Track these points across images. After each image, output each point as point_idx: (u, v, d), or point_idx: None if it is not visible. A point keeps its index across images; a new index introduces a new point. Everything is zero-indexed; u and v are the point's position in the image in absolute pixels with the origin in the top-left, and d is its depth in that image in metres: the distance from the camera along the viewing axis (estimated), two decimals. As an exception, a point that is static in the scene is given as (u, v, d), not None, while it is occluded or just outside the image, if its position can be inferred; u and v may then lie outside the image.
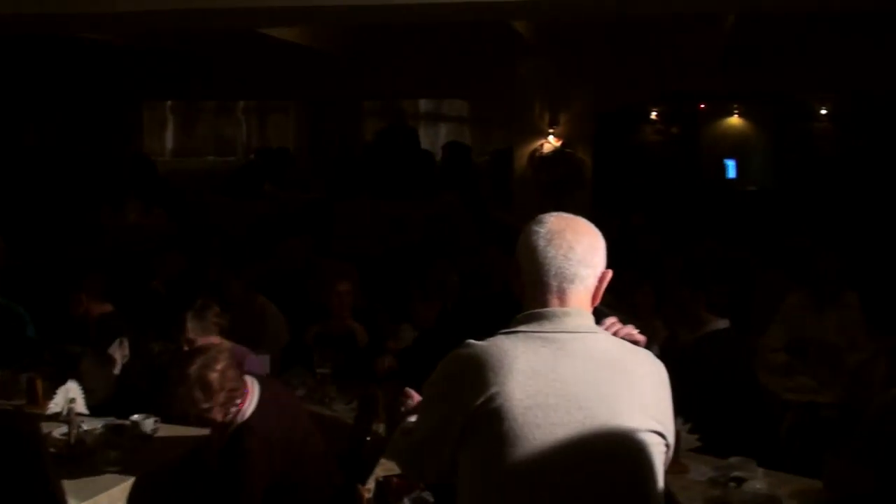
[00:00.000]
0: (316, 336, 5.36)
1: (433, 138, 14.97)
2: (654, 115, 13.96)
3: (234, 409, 3.68)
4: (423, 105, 15.32)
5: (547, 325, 2.04)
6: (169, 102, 14.21)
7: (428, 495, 3.47)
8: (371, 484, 3.72)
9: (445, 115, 15.48)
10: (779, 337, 5.61)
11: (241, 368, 3.84)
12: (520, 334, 2.04)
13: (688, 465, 3.64)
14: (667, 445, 2.07)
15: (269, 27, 7.84)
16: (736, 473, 3.50)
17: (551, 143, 9.40)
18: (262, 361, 4.91)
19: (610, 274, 2.12)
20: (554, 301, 2.06)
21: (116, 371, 4.94)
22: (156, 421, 4.29)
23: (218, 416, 3.64)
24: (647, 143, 14.20)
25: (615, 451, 1.97)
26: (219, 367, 3.65)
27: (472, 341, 2.06)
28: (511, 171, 9.65)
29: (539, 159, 9.41)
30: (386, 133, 11.99)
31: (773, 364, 5.43)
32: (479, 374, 1.99)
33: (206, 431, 3.96)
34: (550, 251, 2.06)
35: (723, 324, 4.39)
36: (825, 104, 13.29)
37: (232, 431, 3.69)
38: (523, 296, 2.11)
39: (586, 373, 1.99)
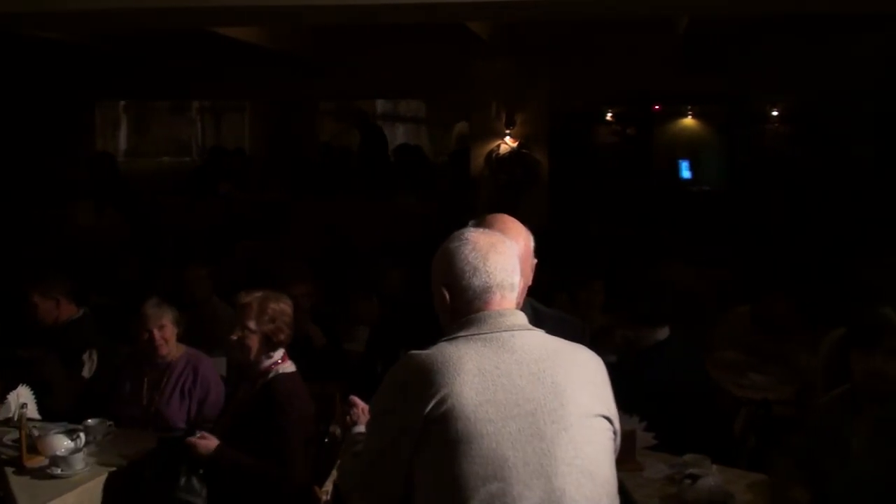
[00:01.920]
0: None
1: (390, 139, 14.94)
2: (609, 116, 14.07)
3: (271, 355, 3.85)
4: (380, 106, 15.30)
5: (484, 327, 2.10)
6: (122, 102, 14.04)
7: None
8: (329, 486, 3.71)
9: (402, 115, 15.48)
10: (727, 338, 5.71)
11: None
12: (460, 339, 2.09)
13: (643, 464, 3.68)
14: (614, 431, 2.15)
15: (223, 27, 7.78)
16: (691, 471, 3.54)
17: (508, 143, 9.44)
18: (218, 364, 4.87)
19: (531, 278, 2.27)
20: (486, 306, 2.13)
21: (84, 374, 4.89)
22: (110, 426, 4.23)
23: (254, 345, 3.82)
24: (603, 143, 14.31)
25: (567, 436, 2.03)
26: (278, 305, 3.92)
27: (414, 351, 2.09)
28: (468, 171, 9.68)
29: (496, 160, 9.44)
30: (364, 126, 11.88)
31: (726, 362, 5.50)
32: (426, 381, 2.02)
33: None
34: (475, 262, 2.14)
35: (662, 333, 4.40)
36: (777, 106, 13.49)
37: (268, 380, 3.83)
38: (452, 309, 2.15)
39: (528, 365, 2.06)
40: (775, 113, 13.53)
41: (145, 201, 10.19)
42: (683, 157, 13.45)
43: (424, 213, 9.09)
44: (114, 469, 3.82)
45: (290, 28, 9.02)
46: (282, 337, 3.91)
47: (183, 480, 3.77)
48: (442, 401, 1.99)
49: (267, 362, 3.88)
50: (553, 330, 2.58)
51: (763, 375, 5.23)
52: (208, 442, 3.75)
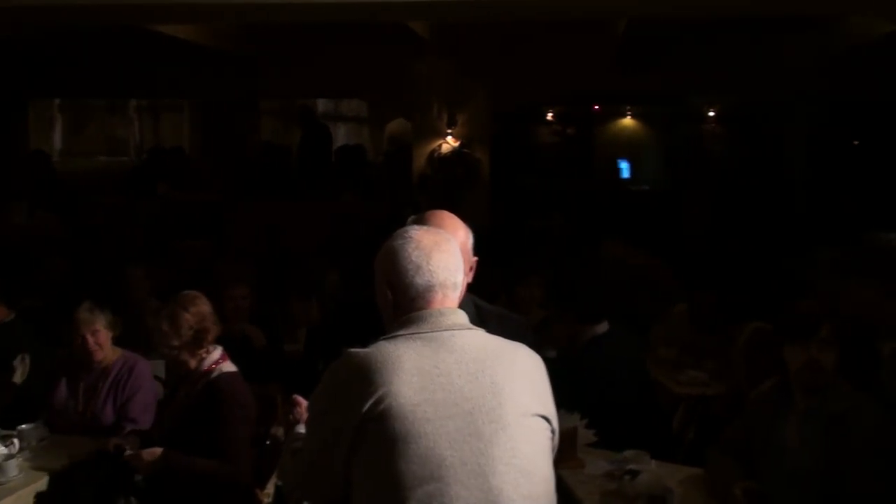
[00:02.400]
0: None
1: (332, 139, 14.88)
2: (550, 115, 14.19)
3: (207, 358, 3.81)
4: (322, 105, 15.22)
5: (425, 326, 2.10)
6: (57, 101, 13.76)
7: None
8: (270, 488, 3.69)
9: (344, 115, 15.42)
10: (664, 336, 5.81)
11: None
12: (400, 338, 2.09)
13: (584, 460, 3.71)
14: (552, 430, 2.16)
15: (161, 24, 7.67)
16: (631, 466, 3.58)
17: (450, 143, 9.46)
18: (157, 366, 4.79)
19: (470, 276, 2.25)
20: (428, 304, 2.13)
21: (16, 380, 4.78)
22: (44, 431, 4.14)
23: (186, 357, 3.79)
24: (544, 143, 14.43)
25: (505, 435, 2.03)
26: (192, 310, 3.84)
27: (352, 350, 2.08)
28: (410, 170, 9.68)
29: (438, 159, 9.45)
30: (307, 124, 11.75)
31: (665, 359, 5.59)
32: (364, 379, 2.01)
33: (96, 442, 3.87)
34: (417, 260, 2.14)
35: (601, 328, 4.45)
36: (713, 106, 13.74)
37: (210, 380, 3.78)
38: (395, 307, 2.15)
39: (468, 365, 2.06)
40: (712, 114, 13.79)
41: (81, 201, 10.00)
42: (623, 157, 13.63)
43: (365, 212, 9.06)
44: (48, 475, 3.75)
45: (230, 26, 8.93)
46: (209, 336, 3.87)
47: (122, 497, 3.70)
48: (380, 399, 1.98)
49: (207, 363, 3.84)
50: (496, 327, 2.59)
51: (700, 372, 5.32)
52: (152, 450, 3.69)
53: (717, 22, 7.77)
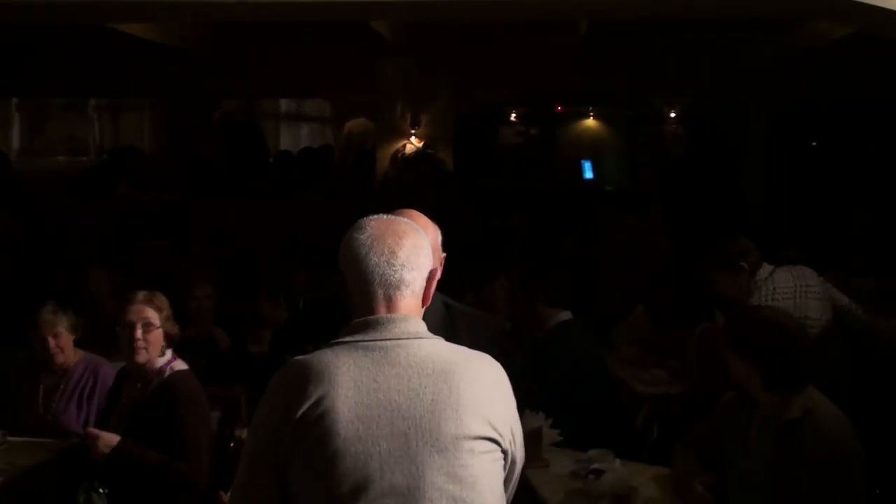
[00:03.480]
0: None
1: (295, 138, 14.83)
2: (513, 116, 14.25)
3: (165, 354, 3.78)
4: (285, 105, 15.15)
5: (371, 334, 1.96)
6: (15, 99, 13.55)
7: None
8: (234, 490, 3.66)
9: (307, 115, 15.35)
10: (627, 336, 5.86)
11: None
12: (343, 345, 1.96)
13: (549, 460, 3.73)
14: (503, 451, 1.99)
15: (120, 23, 7.59)
16: (595, 465, 3.61)
17: (413, 143, 9.46)
18: (119, 369, 4.74)
19: (439, 272, 2.10)
20: (381, 308, 1.99)
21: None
22: (4, 434, 4.09)
23: (158, 343, 3.76)
24: (507, 143, 14.48)
25: (441, 459, 1.89)
26: (165, 302, 3.85)
27: (295, 357, 1.99)
28: (374, 171, 9.66)
29: (401, 160, 9.45)
30: (228, 130, 11.61)
31: (628, 359, 5.64)
32: (301, 386, 1.91)
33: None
34: (373, 258, 1.98)
35: (565, 315, 4.52)
36: (675, 107, 13.87)
37: (165, 379, 3.75)
38: (351, 303, 2.03)
39: (410, 380, 1.92)
40: (673, 115, 13.92)
41: (39, 201, 9.86)
42: (586, 158, 13.71)
43: (325, 212, 9.01)
44: (8, 478, 3.69)
45: (190, 25, 8.86)
46: (176, 333, 3.88)
47: (82, 498, 3.65)
48: (315, 404, 1.88)
49: (162, 361, 3.81)
50: (467, 327, 2.59)
51: (663, 371, 5.37)
52: (110, 436, 3.65)
53: (678, 23, 7.84)
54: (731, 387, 3.38)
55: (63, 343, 4.39)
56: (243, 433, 4.32)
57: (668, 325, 5.74)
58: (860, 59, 8.35)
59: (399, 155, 9.47)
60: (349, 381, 1.90)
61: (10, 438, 4.11)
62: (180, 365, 3.85)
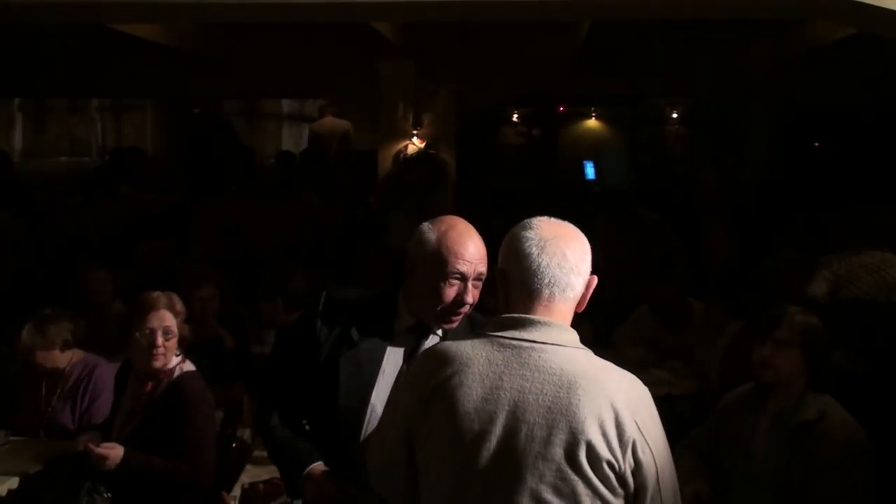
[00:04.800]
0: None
1: (297, 139, 14.82)
2: (515, 116, 14.25)
3: (176, 356, 3.78)
4: (287, 105, 15.15)
5: (513, 332, 1.98)
6: (17, 100, 13.56)
7: (296, 501, 3.43)
8: (237, 491, 3.67)
9: (309, 115, 15.33)
10: (629, 336, 5.85)
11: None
12: (485, 338, 2.01)
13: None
14: (618, 475, 1.91)
15: (122, 23, 7.59)
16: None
17: (415, 144, 9.45)
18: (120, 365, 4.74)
19: (595, 280, 2.08)
20: (538, 308, 2.00)
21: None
22: (5, 434, 4.09)
23: (173, 348, 3.75)
24: (509, 144, 14.49)
25: (545, 469, 1.89)
26: (182, 306, 3.88)
27: (442, 342, 2.10)
28: (375, 172, 9.66)
29: (403, 160, 9.44)
30: (199, 127, 11.51)
31: (629, 359, 5.62)
32: (434, 367, 2.01)
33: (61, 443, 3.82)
34: (544, 259, 1.99)
35: None
36: (675, 108, 13.87)
37: (173, 380, 3.75)
38: (508, 301, 2.04)
39: (533, 384, 1.92)
40: (675, 115, 13.92)
41: (41, 202, 9.87)
42: (587, 158, 13.70)
43: (325, 214, 9.01)
44: (10, 479, 3.70)
45: (193, 26, 8.86)
46: (188, 335, 3.88)
47: (85, 500, 3.65)
48: (441, 387, 1.97)
49: (174, 362, 3.81)
50: None
51: (665, 371, 5.36)
52: (115, 451, 3.64)
53: (679, 24, 7.84)
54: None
55: (52, 357, 4.35)
56: (245, 433, 4.33)
57: (674, 320, 5.72)
58: (861, 60, 8.35)
59: (401, 155, 9.47)
60: (476, 373, 1.95)
61: (11, 438, 4.12)
62: (189, 366, 3.85)
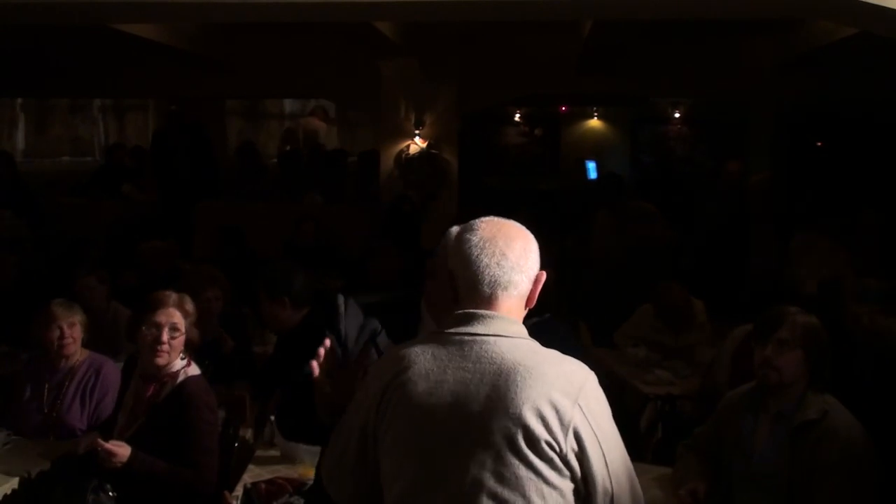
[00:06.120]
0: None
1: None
2: (517, 116, 14.25)
3: (179, 360, 3.77)
4: (289, 105, 15.15)
5: (457, 328, 2.04)
6: (19, 100, 13.57)
7: (297, 500, 3.44)
8: (239, 491, 3.67)
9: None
10: (631, 336, 5.85)
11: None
12: (434, 335, 2.08)
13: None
14: (562, 457, 1.92)
15: (124, 23, 7.59)
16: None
17: (417, 143, 9.46)
18: (124, 362, 4.75)
19: (545, 275, 2.12)
20: (483, 306, 2.04)
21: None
22: (9, 435, 4.10)
23: (179, 348, 3.75)
24: (511, 143, 14.49)
25: (486, 457, 1.92)
26: (193, 306, 3.86)
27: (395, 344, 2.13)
28: (377, 171, 9.67)
29: (406, 160, 9.45)
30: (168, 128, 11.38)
31: (632, 359, 5.63)
32: (386, 367, 2.08)
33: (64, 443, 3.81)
34: (483, 259, 2.04)
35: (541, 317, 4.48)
36: (678, 108, 13.87)
37: (178, 384, 3.73)
38: (457, 300, 2.08)
39: (473, 375, 1.97)
40: (677, 115, 13.92)
41: (44, 202, 9.88)
42: (589, 158, 13.70)
43: (325, 214, 9.00)
44: (14, 479, 3.70)
45: (195, 26, 8.87)
46: (197, 338, 3.88)
47: (91, 499, 3.65)
48: (392, 386, 2.02)
49: (178, 365, 3.80)
50: None
51: (667, 371, 5.36)
52: (124, 450, 3.63)
53: (680, 24, 7.83)
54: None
55: (76, 335, 4.41)
56: (247, 433, 4.33)
57: (676, 323, 5.72)
58: (862, 60, 8.34)
59: (403, 155, 9.48)
60: (422, 370, 2.01)
61: (14, 438, 4.12)
62: (194, 370, 3.84)
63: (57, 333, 4.36)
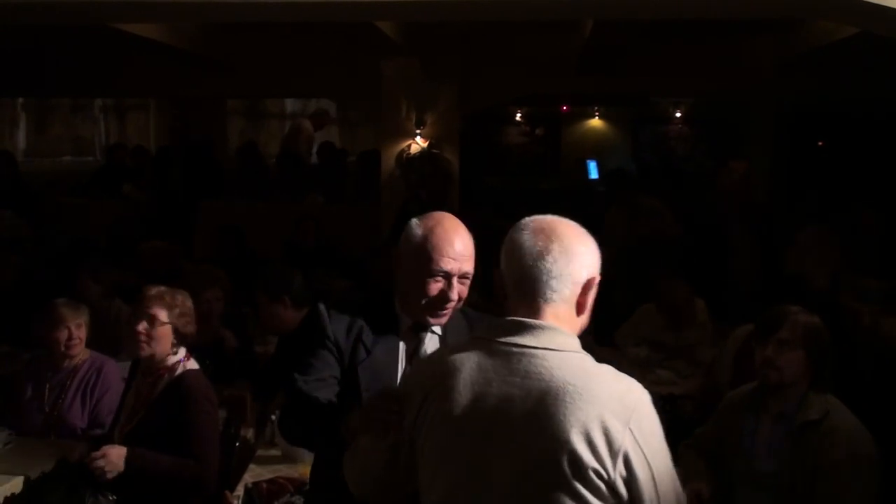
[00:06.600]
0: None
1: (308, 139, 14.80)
2: (518, 116, 14.26)
3: (177, 352, 3.79)
4: (290, 105, 15.15)
5: (506, 337, 1.92)
6: (20, 100, 13.58)
7: (298, 499, 3.44)
8: (240, 490, 3.67)
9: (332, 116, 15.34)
10: (633, 336, 5.84)
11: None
12: (480, 341, 1.98)
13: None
14: (609, 484, 1.81)
15: (125, 23, 7.59)
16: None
17: (418, 143, 9.46)
18: (124, 369, 4.75)
19: (597, 280, 1.98)
20: (532, 311, 1.93)
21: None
22: (10, 434, 4.10)
23: (164, 338, 3.75)
24: (512, 143, 14.50)
25: (522, 479, 1.83)
26: (185, 298, 3.91)
27: (439, 348, 2.10)
28: (378, 171, 9.66)
29: (407, 159, 9.45)
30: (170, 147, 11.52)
31: (633, 358, 5.63)
32: (433, 371, 2.01)
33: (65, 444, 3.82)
34: (528, 262, 1.93)
35: None
36: (679, 107, 13.88)
37: (175, 377, 3.77)
38: (505, 302, 2.00)
39: (517, 390, 1.86)
40: (678, 114, 13.92)
41: (45, 202, 9.88)
42: (590, 157, 13.71)
43: (325, 214, 9.00)
44: (16, 479, 3.70)
45: (195, 25, 8.86)
46: (190, 330, 3.87)
47: (90, 502, 3.65)
48: (435, 393, 1.96)
49: (174, 359, 3.81)
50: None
51: (668, 371, 5.36)
52: (118, 451, 3.64)
53: (681, 24, 7.83)
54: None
55: (83, 335, 4.42)
56: (248, 433, 4.33)
57: (679, 322, 5.71)
58: (862, 60, 8.33)
59: (404, 155, 9.47)
60: (466, 380, 1.91)
61: (15, 437, 4.12)
62: (192, 364, 3.86)
63: (65, 335, 4.37)
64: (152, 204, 10.04)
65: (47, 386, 4.41)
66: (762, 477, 3.20)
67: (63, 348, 4.38)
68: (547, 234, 1.94)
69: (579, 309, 1.97)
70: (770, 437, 3.23)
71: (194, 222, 9.45)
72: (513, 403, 1.85)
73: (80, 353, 4.46)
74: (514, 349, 1.90)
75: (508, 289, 1.97)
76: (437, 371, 1.98)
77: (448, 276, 2.44)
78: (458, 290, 2.46)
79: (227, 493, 3.69)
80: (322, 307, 2.62)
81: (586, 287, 1.96)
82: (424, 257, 2.44)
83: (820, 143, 12.20)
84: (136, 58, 9.60)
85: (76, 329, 4.39)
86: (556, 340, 1.90)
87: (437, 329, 2.56)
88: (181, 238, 8.36)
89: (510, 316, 1.95)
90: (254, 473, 3.80)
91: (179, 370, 3.79)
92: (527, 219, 2.00)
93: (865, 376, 4.48)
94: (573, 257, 1.94)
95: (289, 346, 4.54)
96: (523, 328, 1.91)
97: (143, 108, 14.24)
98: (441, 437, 1.93)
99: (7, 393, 4.54)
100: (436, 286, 2.44)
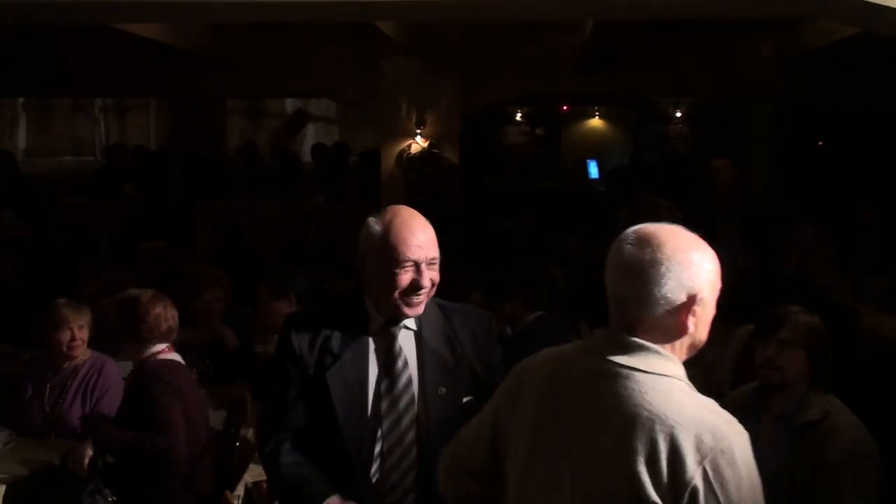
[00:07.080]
0: (182, 342, 5.22)
1: (301, 138, 14.82)
2: (518, 116, 14.26)
3: (150, 349, 3.97)
4: (290, 105, 15.16)
5: (601, 350, 1.84)
6: (20, 100, 13.58)
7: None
8: (240, 490, 3.67)
9: (313, 114, 15.35)
10: None
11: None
12: (574, 350, 1.95)
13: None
14: None
15: (125, 23, 7.59)
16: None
17: (419, 143, 9.46)
18: (124, 368, 4.76)
19: (700, 295, 1.81)
20: (626, 324, 1.83)
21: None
22: (10, 434, 4.10)
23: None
24: (513, 143, 14.50)
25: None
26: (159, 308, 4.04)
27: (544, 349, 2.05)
28: (379, 171, 9.67)
29: (407, 159, 9.45)
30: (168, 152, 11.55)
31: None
32: (527, 370, 2.01)
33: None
34: (627, 272, 1.81)
35: (536, 314, 4.48)
36: (679, 107, 13.88)
37: (142, 368, 3.98)
38: (608, 314, 1.91)
39: (603, 412, 1.78)
40: (678, 114, 13.93)
41: (45, 202, 9.89)
42: (591, 157, 13.71)
43: (326, 214, 8.99)
44: (16, 479, 3.71)
45: (196, 25, 8.87)
46: (156, 333, 3.99)
47: (87, 502, 3.67)
48: (517, 396, 1.97)
49: (146, 353, 3.98)
50: (461, 323, 2.60)
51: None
52: (82, 449, 3.87)
53: (682, 23, 7.84)
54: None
55: (85, 336, 4.43)
56: (248, 433, 4.33)
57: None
58: (862, 60, 8.34)
59: (404, 155, 9.47)
60: (560, 388, 1.88)
61: (15, 437, 4.12)
62: (167, 355, 4.01)
63: (68, 336, 4.38)
64: (152, 204, 10.04)
65: (48, 386, 4.41)
66: (763, 477, 3.20)
67: (65, 349, 4.38)
68: (657, 242, 1.80)
69: (681, 328, 1.81)
70: (771, 437, 3.22)
71: (194, 222, 9.44)
72: (596, 424, 1.79)
73: (82, 353, 4.46)
74: (606, 366, 1.81)
75: (610, 299, 1.86)
76: (538, 369, 1.97)
77: (416, 264, 2.45)
78: (429, 275, 2.48)
79: (228, 493, 3.70)
80: (290, 319, 2.63)
81: (689, 303, 1.80)
82: (390, 251, 2.45)
83: (820, 143, 12.20)
84: (137, 58, 9.60)
85: (78, 330, 4.40)
86: (649, 362, 1.79)
87: (412, 324, 2.55)
88: (181, 238, 8.36)
89: (612, 320, 1.87)
90: (254, 473, 3.80)
91: (151, 361, 3.97)
92: (633, 228, 1.86)
93: (865, 376, 4.48)
94: (682, 269, 1.79)
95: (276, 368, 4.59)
96: (618, 344, 1.81)
97: (143, 108, 14.24)
98: (525, 432, 1.92)
99: (7, 393, 4.54)
100: (406, 276, 2.45)
